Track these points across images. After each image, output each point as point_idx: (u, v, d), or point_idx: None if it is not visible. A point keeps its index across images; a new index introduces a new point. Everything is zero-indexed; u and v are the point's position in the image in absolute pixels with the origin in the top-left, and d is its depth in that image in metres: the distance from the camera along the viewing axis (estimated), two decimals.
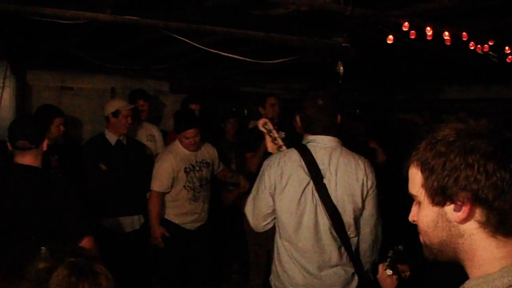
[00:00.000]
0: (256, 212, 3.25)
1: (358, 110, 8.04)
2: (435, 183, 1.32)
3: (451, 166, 1.29)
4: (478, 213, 1.29)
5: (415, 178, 1.39)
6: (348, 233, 3.15)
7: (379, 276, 2.84)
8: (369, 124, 8.11)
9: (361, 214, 3.18)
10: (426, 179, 1.34)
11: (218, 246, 6.06)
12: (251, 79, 7.28)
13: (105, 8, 3.62)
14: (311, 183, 3.08)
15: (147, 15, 3.73)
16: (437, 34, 4.11)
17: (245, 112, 7.80)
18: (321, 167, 3.09)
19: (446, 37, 4.16)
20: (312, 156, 3.12)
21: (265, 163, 3.26)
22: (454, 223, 1.32)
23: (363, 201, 3.15)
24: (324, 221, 3.10)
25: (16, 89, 5.79)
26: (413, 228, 1.47)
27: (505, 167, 1.26)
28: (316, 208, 3.09)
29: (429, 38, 4.09)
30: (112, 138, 5.38)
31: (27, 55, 5.62)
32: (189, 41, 4.19)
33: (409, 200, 1.46)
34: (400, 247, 2.95)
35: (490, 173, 1.26)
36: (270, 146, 3.59)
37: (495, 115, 7.63)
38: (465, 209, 1.29)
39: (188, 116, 5.36)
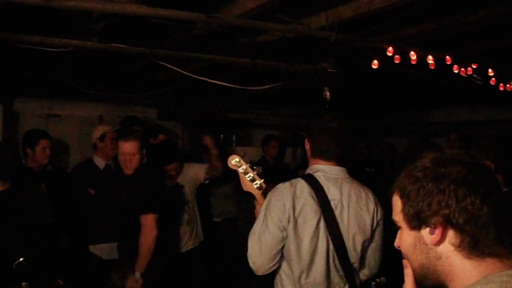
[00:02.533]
0: (264, 251, 2.92)
1: None
2: (411, 209, 1.40)
3: (424, 192, 1.38)
4: (452, 236, 1.36)
5: (396, 205, 1.47)
6: (354, 266, 2.99)
7: None
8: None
9: (368, 246, 3.03)
10: (404, 204, 1.43)
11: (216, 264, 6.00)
12: (238, 106, 7.31)
13: (92, 36, 3.65)
14: (322, 217, 2.90)
15: (134, 43, 3.76)
16: (421, 58, 4.17)
17: (234, 138, 7.83)
18: (331, 199, 2.93)
19: (430, 61, 4.22)
20: (322, 188, 2.94)
21: (271, 195, 2.96)
22: (431, 245, 1.38)
23: (372, 233, 3.02)
24: (334, 255, 2.94)
25: (3, 116, 5.78)
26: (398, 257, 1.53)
27: (475, 192, 1.34)
28: (327, 243, 2.91)
29: (413, 62, 4.15)
30: (100, 163, 5.38)
31: (14, 82, 5.62)
32: (176, 69, 4.23)
33: (394, 227, 1.53)
34: (382, 278, 2.89)
35: (461, 198, 1.33)
36: (245, 184, 3.18)
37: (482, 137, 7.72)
38: (438, 232, 1.35)
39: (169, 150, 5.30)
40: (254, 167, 3.16)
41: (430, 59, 4.22)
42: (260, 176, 3.15)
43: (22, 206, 3.99)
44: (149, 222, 4.08)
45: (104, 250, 5.11)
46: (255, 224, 2.97)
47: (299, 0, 3.27)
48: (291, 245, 2.90)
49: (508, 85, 5.23)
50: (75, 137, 6.53)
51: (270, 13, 3.38)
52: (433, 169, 1.39)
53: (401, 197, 1.44)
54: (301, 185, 2.94)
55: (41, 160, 5.01)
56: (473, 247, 1.34)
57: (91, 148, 5.79)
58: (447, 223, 1.34)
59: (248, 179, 3.12)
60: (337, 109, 6.67)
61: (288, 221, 2.87)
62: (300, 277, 2.93)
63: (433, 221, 1.35)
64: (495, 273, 1.30)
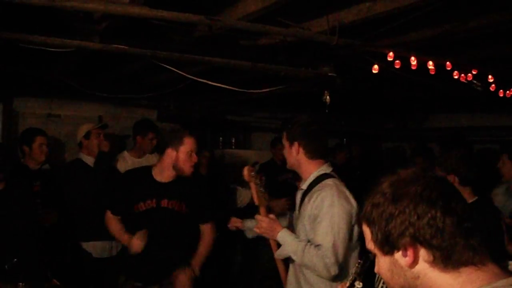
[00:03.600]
0: (339, 253, 3.04)
1: (344, 139, 8.11)
2: (379, 234, 1.42)
3: (387, 216, 1.40)
4: (424, 254, 1.37)
5: (366, 233, 1.49)
6: None
7: None
8: (356, 153, 8.21)
9: None
10: (371, 232, 1.45)
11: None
12: (238, 108, 7.31)
13: (94, 36, 3.65)
14: None
15: (136, 44, 3.76)
16: (422, 64, 4.18)
17: (233, 141, 7.81)
18: None
19: (430, 67, 4.23)
20: None
21: (332, 197, 3.08)
22: (406, 267, 1.40)
23: None
24: None
25: (2, 116, 5.78)
26: None
27: (435, 206, 1.35)
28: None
29: (413, 67, 4.16)
30: (88, 160, 5.38)
31: (14, 82, 5.62)
32: (177, 70, 4.23)
33: None
34: (370, 255, 2.79)
35: (422, 215, 1.35)
36: (257, 197, 3.35)
37: (482, 143, 7.76)
38: (410, 253, 1.37)
39: None
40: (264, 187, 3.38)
41: (430, 65, 4.24)
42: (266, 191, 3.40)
43: (14, 207, 4.00)
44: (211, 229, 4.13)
45: (96, 247, 5.17)
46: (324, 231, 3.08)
47: (300, 4, 3.27)
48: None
49: (508, 92, 5.24)
50: (74, 137, 6.52)
51: (272, 16, 3.40)
52: (391, 192, 1.40)
53: (368, 225, 1.46)
54: (341, 184, 3.21)
55: (38, 157, 5.01)
56: (446, 260, 1.35)
57: None
58: (415, 241, 1.36)
59: (260, 193, 3.37)
60: (336, 113, 6.72)
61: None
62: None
63: (402, 242, 1.37)
64: (492, 283, 1.31)
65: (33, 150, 5.00)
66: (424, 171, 1.47)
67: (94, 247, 5.17)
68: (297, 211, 3.44)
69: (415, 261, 1.37)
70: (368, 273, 2.72)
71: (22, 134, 5.25)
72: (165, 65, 4.12)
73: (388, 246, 1.40)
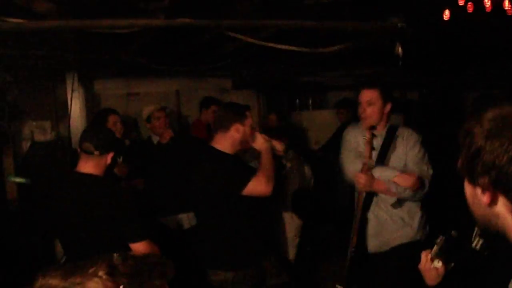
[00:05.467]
0: None
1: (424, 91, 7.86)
2: (465, 162, 1.31)
3: (475, 149, 1.26)
4: (503, 200, 1.25)
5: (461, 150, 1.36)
6: None
7: (421, 266, 2.57)
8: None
9: None
10: (461, 155, 1.33)
11: None
12: (312, 69, 7.21)
13: (159, 14, 3.71)
14: None
15: (200, 16, 3.79)
16: (497, 5, 3.95)
17: (310, 102, 7.77)
18: None
19: (507, 7, 3.99)
20: None
21: (418, 136, 3.97)
22: (485, 205, 1.29)
23: None
24: None
25: (85, 99, 6.03)
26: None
27: None
28: None
29: (488, 10, 3.94)
30: (156, 139, 5.57)
31: (93, 65, 5.83)
32: (243, 37, 4.22)
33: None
34: (453, 232, 2.73)
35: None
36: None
37: None
38: (488, 195, 1.26)
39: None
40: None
41: (506, 6, 4.00)
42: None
43: None
44: None
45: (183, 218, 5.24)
46: None
47: None
48: None
49: None
50: None
51: None
52: (489, 126, 1.25)
53: (461, 144, 1.33)
54: None
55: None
56: None
57: (171, 123, 6.00)
58: (495, 187, 1.23)
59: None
60: (411, 66, 6.50)
61: None
62: None
63: (481, 181, 1.25)
64: None
65: None
66: None
67: (176, 220, 5.28)
68: (367, 158, 3.85)
69: (493, 203, 1.27)
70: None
71: (95, 116, 5.50)
72: (230, 33, 4.12)
73: (471, 177, 1.30)
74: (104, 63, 5.76)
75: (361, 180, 3.80)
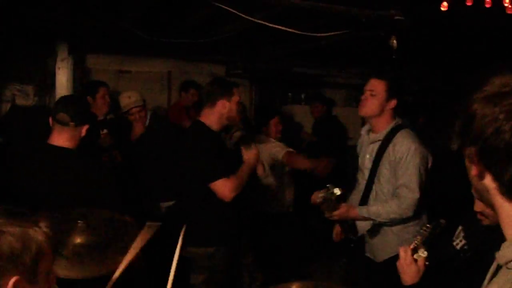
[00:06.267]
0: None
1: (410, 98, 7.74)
2: (457, 128, 1.19)
3: (470, 112, 1.14)
4: (490, 176, 1.14)
5: None
6: None
7: (400, 262, 2.45)
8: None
9: None
10: (458, 120, 1.21)
11: None
12: (308, 61, 7.11)
13: None
14: None
15: None
16: (497, 1, 3.88)
17: (302, 96, 7.68)
18: None
19: (506, 4, 3.92)
20: None
21: (414, 143, 3.61)
22: (474, 176, 1.18)
23: None
24: None
25: (74, 71, 5.93)
26: None
27: None
28: None
29: (487, 5, 3.87)
30: None
31: (86, 37, 5.74)
32: (241, 14, 4.15)
33: None
34: (442, 221, 2.64)
35: (504, 135, 1.07)
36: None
37: None
38: (475, 168, 1.15)
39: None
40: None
41: (506, 2, 3.92)
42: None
43: None
44: None
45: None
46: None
47: None
48: None
49: None
50: (144, 92, 6.58)
51: None
52: (490, 91, 1.13)
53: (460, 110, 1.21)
54: None
55: (102, 107, 5.14)
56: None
57: (160, 103, 5.91)
58: (480, 158, 1.12)
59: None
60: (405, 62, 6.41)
61: None
62: None
63: (468, 150, 1.14)
64: None
65: (97, 100, 5.12)
66: None
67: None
68: (366, 160, 3.87)
69: (480, 176, 1.15)
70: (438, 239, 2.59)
71: (86, 85, 5.44)
72: (227, 8, 4.04)
73: (460, 142, 1.18)
74: (97, 35, 5.67)
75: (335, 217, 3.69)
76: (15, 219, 1.50)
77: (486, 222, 2.51)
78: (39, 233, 1.51)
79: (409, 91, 7.93)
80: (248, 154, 3.99)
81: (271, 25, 4.32)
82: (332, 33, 4.52)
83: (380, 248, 3.82)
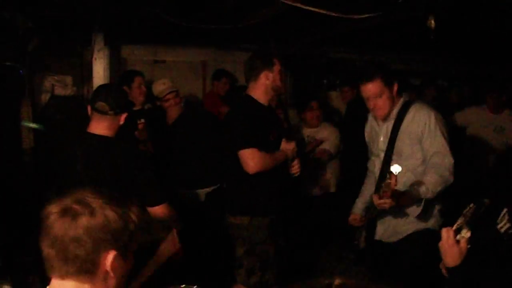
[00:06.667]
0: None
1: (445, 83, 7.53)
2: None
3: None
4: None
5: None
6: None
7: (443, 243, 2.40)
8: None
9: None
10: None
11: None
12: (341, 46, 7.01)
13: None
14: None
15: None
16: None
17: (338, 82, 7.55)
18: None
19: None
20: None
21: (434, 112, 3.63)
22: None
23: None
24: None
25: (110, 62, 5.98)
26: None
27: None
28: None
29: None
30: None
31: (121, 27, 5.78)
32: None
33: None
34: (486, 200, 2.56)
35: None
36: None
37: None
38: None
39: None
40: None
41: None
42: None
43: None
44: None
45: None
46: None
47: None
48: None
49: None
50: (179, 82, 6.60)
51: None
52: None
53: None
54: None
55: (138, 96, 5.14)
56: None
57: (194, 93, 5.90)
58: None
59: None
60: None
61: None
62: None
63: None
64: None
65: (133, 90, 5.13)
66: None
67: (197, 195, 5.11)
68: (380, 143, 3.86)
69: None
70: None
71: (122, 75, 5.45)
72: None
73: None
74: (132, 26, 5.70)
75: (385, 206, 3.45)
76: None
77: None
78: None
79: (445, 76, 7.78)
80: (287, 146, 4.00)
81: (305, 7, 4.27)
82: (367, 15, 4.43)
83: (399, 226, 3.79)
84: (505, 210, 2.76)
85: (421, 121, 3.60)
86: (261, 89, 3.97)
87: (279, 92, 4.15)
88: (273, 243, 3.96)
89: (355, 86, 7.12)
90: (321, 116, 5.71)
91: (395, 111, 3.75)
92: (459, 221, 2.41)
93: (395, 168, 3.19)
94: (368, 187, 4.05)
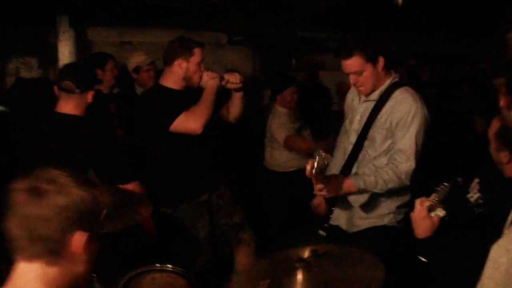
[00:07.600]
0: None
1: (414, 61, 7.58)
2: (491, 58, 1.26)
3: (501, 42, 1.16)
4: None
5: None
6: None
7: (415, 215, 2.41)
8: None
9: None
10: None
11: None
12: (308, 25, 6.99)
13: None
14: None
15: None
16: None
17: (293, 61, 7.54)
18: None
19: None
20: None
21: (416, 102, 3.34)
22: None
23: None
24: None
25: (76, 44, 5.88)
26: None
27: None
28: None
29: None
30: (139, 91, 5.37)
31: (86, 8, 5.68)
32: None
33: None
34: (460, 179, 2.60)
35: None
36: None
37: None
38: (503, 98, 1.21)
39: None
40: None
41: None
42: None
43: None
44: None
45: None
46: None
47: None
48: None
49: None
50: None
51: None
52: None
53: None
54: None
55: (110, 80, 5.08)
56: None
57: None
58: (509, 92, 1.17)
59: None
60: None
61: None
62: None
63: (497, 82, 1.18)
64: None
65: (106, 73, 5.06)
66: None
67: None
68: (355, 121, 3.56)
69: (508, 107, 1.20)
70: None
71: (94, 57, 5.34)
72: None
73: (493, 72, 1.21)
74: (97, 7, 5.60)
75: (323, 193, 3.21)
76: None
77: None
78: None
79: (414, 54, 7.84)
80: (203, 79, 3.87)
81: None
82: None
83: (354, 218, 3.59)
84: (476, 180, 2.82)
85: (400, 112, 3.31)
86: (172, 77, 3.86)
87: (192, 85, 3.93)
88: (204, 227, 3.95)
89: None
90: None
91: (377, 93, 3.44)
92: (433, 196, 2.44)
93: (317, 153, 2.90)
94: (334, 167, 3.70)
